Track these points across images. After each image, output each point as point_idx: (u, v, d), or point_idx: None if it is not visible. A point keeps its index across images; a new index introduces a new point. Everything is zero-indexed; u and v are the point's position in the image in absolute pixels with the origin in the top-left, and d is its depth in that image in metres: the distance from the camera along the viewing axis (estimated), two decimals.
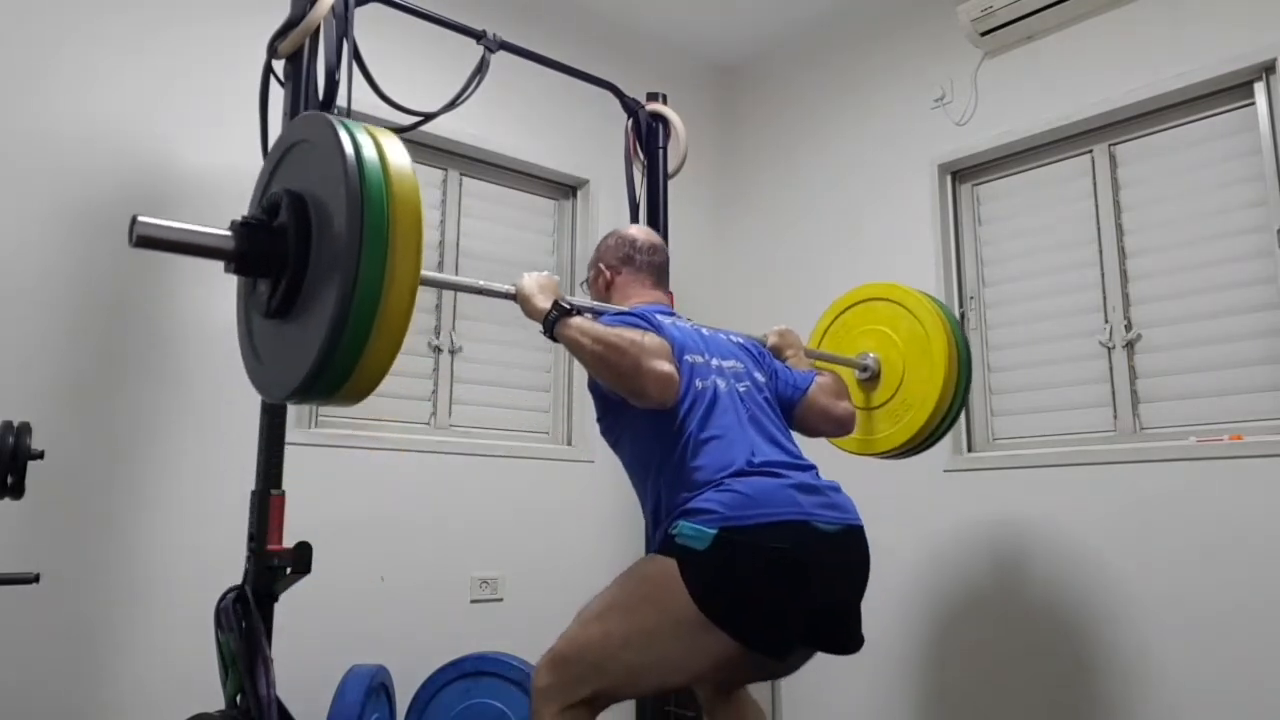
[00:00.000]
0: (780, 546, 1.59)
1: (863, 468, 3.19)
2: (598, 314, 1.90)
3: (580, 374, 3.30)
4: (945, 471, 2.99)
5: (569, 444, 3.28)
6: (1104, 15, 2.79)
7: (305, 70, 2.05)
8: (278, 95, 2.09)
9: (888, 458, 2.52)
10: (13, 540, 2.15)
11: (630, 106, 2.82)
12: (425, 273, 1.47)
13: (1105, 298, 2.76)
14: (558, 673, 1.70)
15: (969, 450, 3.00)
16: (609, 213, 3.39)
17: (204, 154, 2.56)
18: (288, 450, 1.98)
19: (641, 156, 2.86)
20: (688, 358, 1.81)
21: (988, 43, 3.01)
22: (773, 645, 1.61)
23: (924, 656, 2.96)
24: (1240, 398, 2.47)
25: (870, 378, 2.48)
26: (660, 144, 2.84)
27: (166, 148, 2.53)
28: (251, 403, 2.02)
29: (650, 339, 1.70)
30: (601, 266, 2.12)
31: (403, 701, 2.58)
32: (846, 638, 1.71)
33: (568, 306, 1.76)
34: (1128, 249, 2.75)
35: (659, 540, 1.73)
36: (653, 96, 2.87)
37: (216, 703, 1.83)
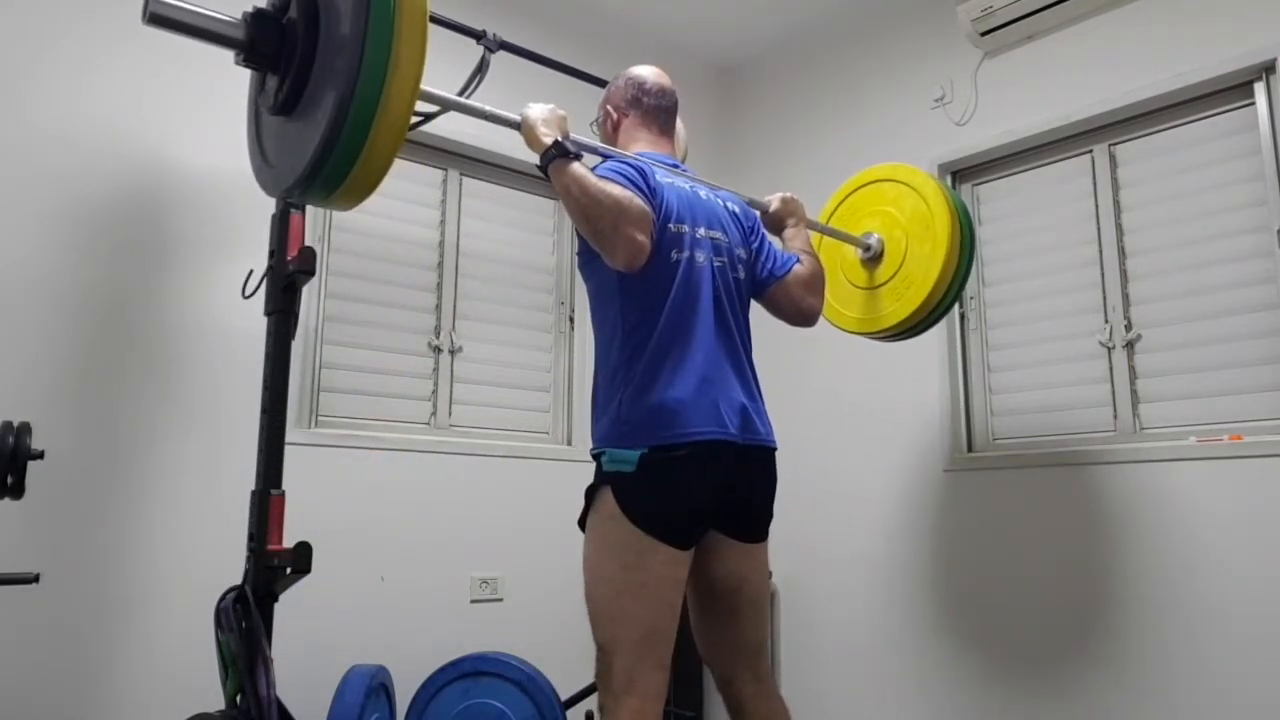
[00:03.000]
0: (694, 460, 1.71)
1: (863, 467, 3.20)
2: (602, 156, 1.89)
3: (580, 375, 3.30)
4: (945, 471, 3.00)
5: (569, 444, 3.28)
6: (1104, 15, 2.79)
7: None
8: None
9: (888, 337, 2.56)
10: (13, 540, 2.15)
11: None
12: (426, 88, 1.49)
13: (1105, 298, 2.76)
14: (606, 666, 1.72)
15: (969, 450, 3.01)
16: None
17: (204, 154, 2.56)
18: (288, 450, 1.98)
19: None
20: (672, 225, 1.83)
21: (988, 43, 3.01)
22: (681, 540, 1.73)
23: (924, 654, 2.96)
24: (1240, 398, 2.47)
25: (873, 257, 2.51)
26: None
27: (165, 148, 2.53)
28: (251, 403, 2.03)
29: (635, 204, 1.71)
30: (609, 108, 2.10)
31: (403, 701, 2.58)
32: (751, 525, 1.88)
33: (568, 148, 1.74)
34: (1128, 249, 2.75)
35: (594, 448, 1.81)
36: None
37: (216, 703, 1.83)
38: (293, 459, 2.01)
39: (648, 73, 2.09)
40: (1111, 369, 2.72)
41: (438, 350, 3.05)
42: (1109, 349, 2.73)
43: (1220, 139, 2.59)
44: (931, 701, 2.91)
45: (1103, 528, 2.60)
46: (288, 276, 2.00)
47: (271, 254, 2.07)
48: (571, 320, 3.37)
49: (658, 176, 1.86)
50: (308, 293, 2.55)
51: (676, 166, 2.02)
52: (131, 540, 2.34)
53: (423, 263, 3.07)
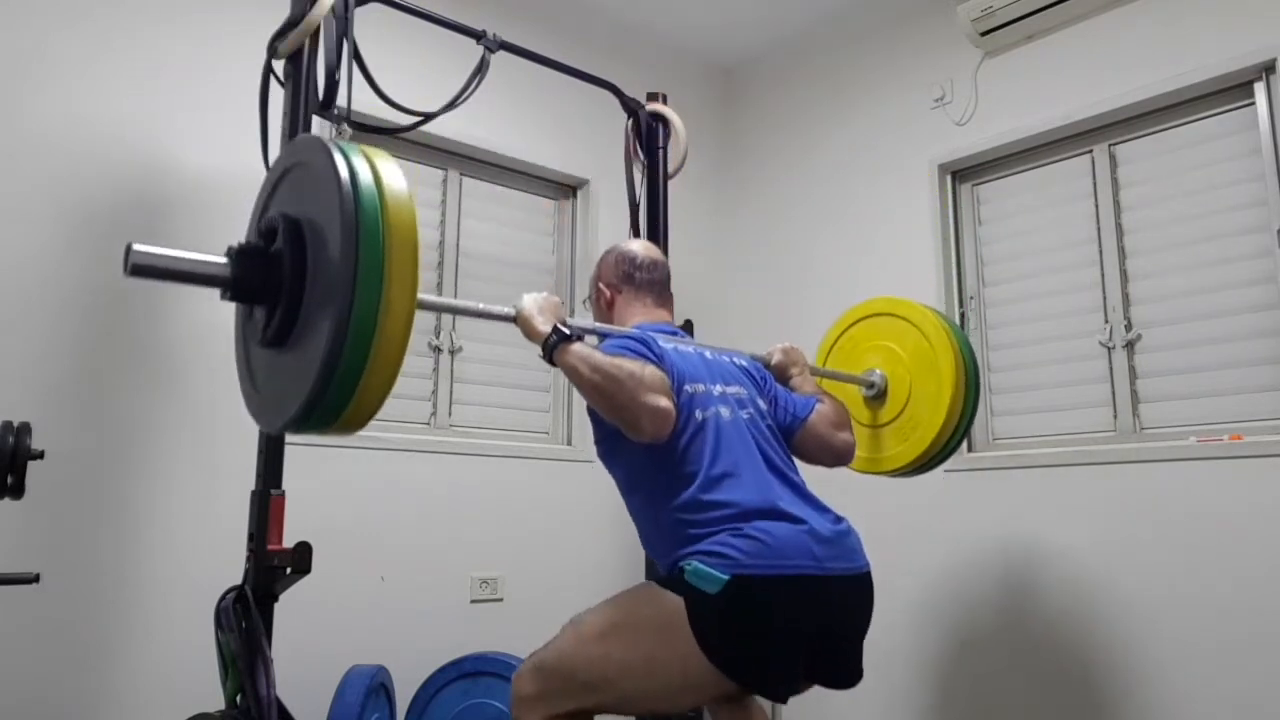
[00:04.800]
0: (788, 600, 1.59)
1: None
2: (600, 336, 1.87)
3: None
4: (945, 471, 2.98)
5: (569, 444, 3.28)
6: (1104, 15, 2.79)
7: (305, 70, 2.05)
8: (278, 95, 2.09)
9: (895, 476, 2.47)
10: (13, 540, 2.15)
11: (630, 106, 2.82)
12: (422, 296, 1.45)
13: (1105, 298, 2.76)
14: (545, 683, 1.70)
15: (969, 450, 3.00)
16: (609, 213, 3.39)
17: (204, 155, 2.56)
18: (288, 450, 1.98)
19: (641, 156, 2.86)
20: (688, 387, 1.77)
21: (988, 43, 3.01)
22: (775, 691, 1.65)
23: (924, 654, 2.96)
24: (1240, 398, 2.47)
25: (876, 395, 2.42)
26: (660, 144, 2.84)
27: (166, 149, 2.53)
28: None
29: (649, 371, 1.67)
30: (602, 286, 2.08)
31: (403, 701, 2.58)
32: (847, 676, 1.77)
33: (567, 331, 1.71)
34: (1128, 249, 2.75)
35: (666, 572, 1.70)
36: (653, 96, 2.88)
37: (216, 703, 1.83)
38: (293, 459, 2.01)
39: (637, 247, 2.10)
40: (1111, 369, 2.72)
41: (438, 350, 3.05)
42: (1109, 349, 2.73)
43: (1220, 139, 2.59)
44: (931, 701, 2.91)
45: (1102, 528, 2.60)
46: None
47: None
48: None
49: (661, 343, 1.83)
50: None
51: (676, 334, 1.99)
52: (131, 540, 2.34)
53: (423, 263, 3.03)
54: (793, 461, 1.89)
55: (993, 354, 3.03)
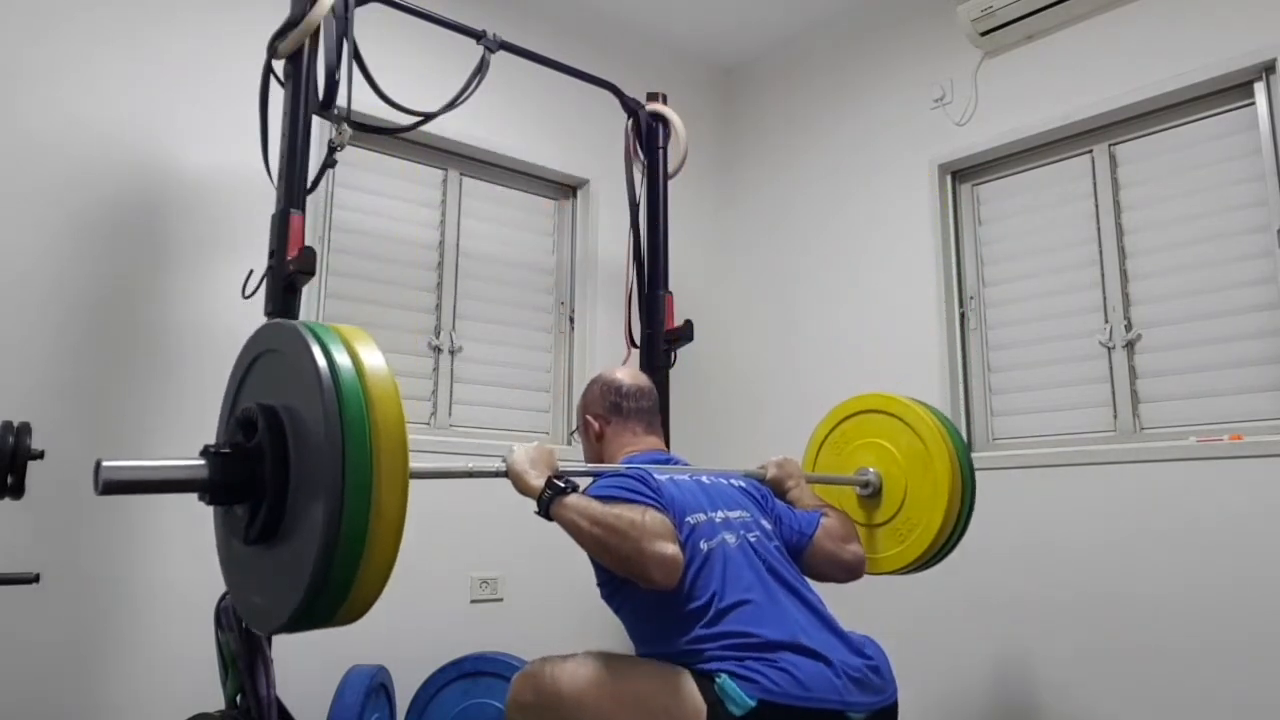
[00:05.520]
0: None
1: None
2: (593, 476, 1.83)
3: (580, 375, 3.30)
4: None
5: (569, 444, 3.28)
6: (1104, 15, 2.79)
7: (305, 70, 2.06)
8: (278, 95, 2.09)
9: (893, 575, 2.40)
10: (13, 540, 2.15)
11: (630, 106, 2.82)
12: (412, 465, 1.41)
13: (1105, 298, 2.76)
14: (541, 701, 1.67)
15: (969, 450, 3.00)
16: (609, 213, 3.39)
17: (204, 155, 2.56)
18: None
19: (641, 156, 2.86)
20: (689, 519, 1.73)
21: (988, 43, 3.01)
22: None
23: (921, 653, 2.95)
24: (1240, 398, 2.47)
25: (872, 494, 2.35)
26: (660, 144, 2.84)
27: (166, 149, 2.53)
28: None
29: (650, 517, 1.61)
30: (589, 418, 2.05)
31: (403, 701, 2.58)
32: None
33: (562, 485, 1.66)
34: (1128, 249, 2.75)
35: (698, 674, 1.62)
36: (653, 96, 2.88)
37: (216, 703, 1.83)
38: None
39: (623, 375, 2.07)
40: (1111, 369, 2.72)
41: (438, 350, 3.05)
42: (1109, 349, 2.73)
43: (1220, 139, 2.59)
44: (930, 700, 2.91)
45: (1102, 528, 2.60)
46: (288, 276, 2.00)
47: (271, 254, 2.07)
48: (571, 320, 3.37)
49: (657, 477, 1.77)
50: (308, 293, 2.55)
51: (670, 461, 1.97)
52: (131, 540, 2.34)
53: (423, 263, 3.06)
54: (806, 581, 1.83)
55: (993, 354, 3.03)
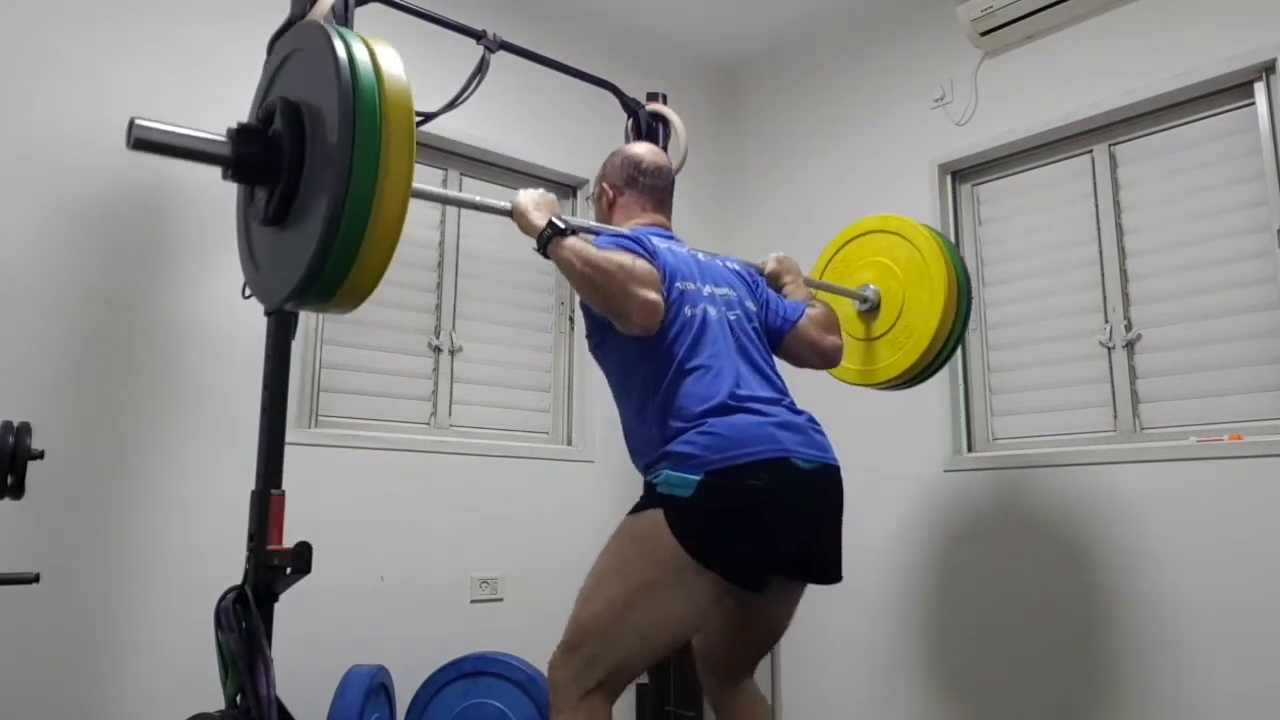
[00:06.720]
0: (759, 484, 1.64)
1: (863, 467, 3.19)
2: (594, 234, 1.90)
3: (580, 375, 3.30)
4: (945, 471, 3.00)
5: (569, 444, 3.28)
6: (1104, 15, 2.79)
7: None
8: None
9: (889, 388, 2.53)
10: (13, 540, 2.15)
11: (630, 106, 2.82)
12: (419, 185, 1.50)
13: (1105, 298, 2.76)
14: (570, 661, 1.70)
15: (969, 450, 3.01)
16: None
17: None
18: (288, 450, 1.98)
19: None
20: (678, 284, 1.83)
21: (988, 43, 3.01)
22: (752, 581, 1.69)
23: (923, 654, 2.96)
24: (1240, 398, 2.47)
25: (870, 309, 2.50)
26: (660, 144, 2.84)
27: None
28: (251, 403, 2.02)
29: (640, 265, 1.72)
30: (605, 185, 2.12)
31: (403, 701, 2.58)
32: (825, 570, 1.79)
33: (562, 226, 1.76)
34: (1128, 249, 2.75)
35: (644, 492, 1.75)
36: (653, 96, 2.87)
37: (216, 703, 1.83)
38: (293, 459, 2.00)
39: (644, 151, 2.12)
40: (1111, 369, 2.72)
41: (438, 350, 3.05)
42: (1109, 349, 2.73)
43: (1220, 139, 2.59)
44: (931, 700, 2.91)
45: (1103, 528, 2.60)
46: None
47: None
48: (571, 320, 3.37)
49: (655, 242, 1.87)
50: None
51: (672, 238, 2.02)
52: (131, 540, 2.34)
53: (423, 263, 3.07)
54: (773, 361, 1.95)
55: (993, 354, 3.03)
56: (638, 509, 1.74)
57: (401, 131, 1.39)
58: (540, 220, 1.79)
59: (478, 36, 2.42)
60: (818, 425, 1.83)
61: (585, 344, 1.91)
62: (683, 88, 3.42)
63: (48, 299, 2.30)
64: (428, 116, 2.33)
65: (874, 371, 2.47)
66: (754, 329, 1.93)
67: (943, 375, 3.03)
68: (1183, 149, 2.67)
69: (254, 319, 2.12)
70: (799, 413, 1.83)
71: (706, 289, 1.88)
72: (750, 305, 1.97)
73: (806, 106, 3.67)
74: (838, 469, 1.81)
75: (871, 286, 2.50)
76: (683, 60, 3.83)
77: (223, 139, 1.49)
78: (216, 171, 2.54)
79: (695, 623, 1.72)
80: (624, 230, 1.91)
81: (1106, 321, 2.75)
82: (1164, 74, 2.63)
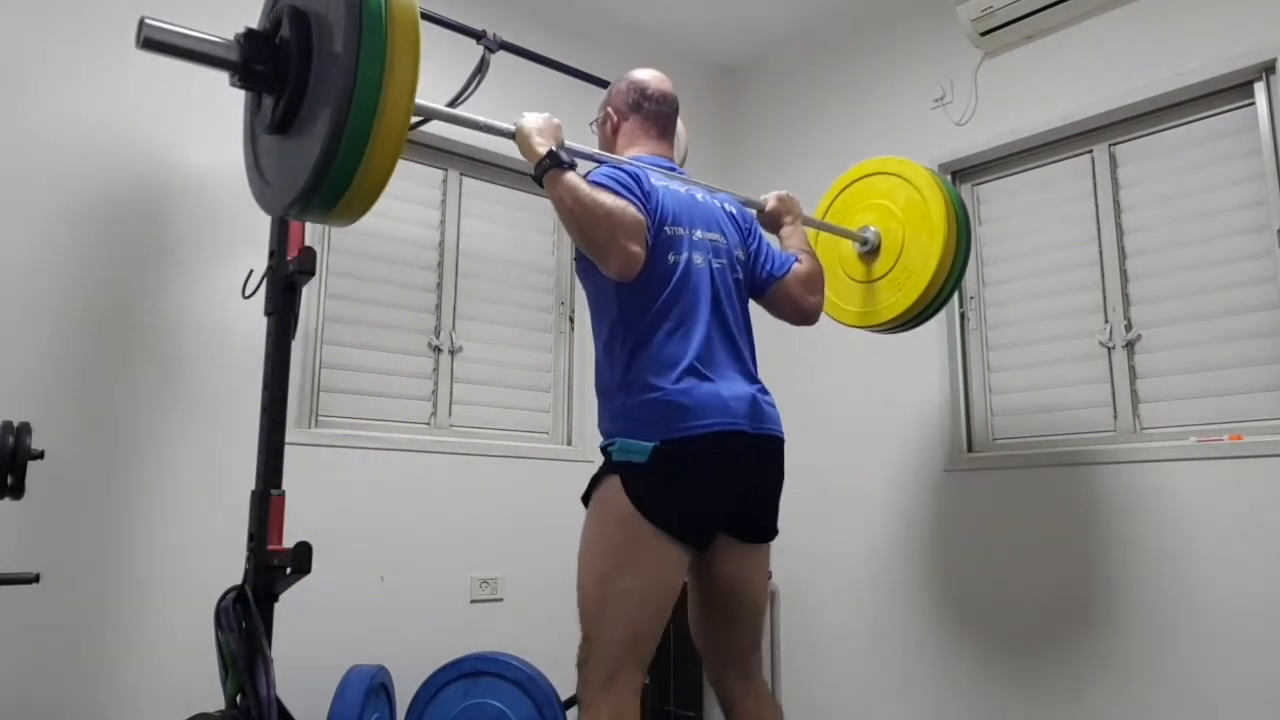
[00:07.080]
0: (707, 452, 1.72)
1: (863, 467, 3.20)
2: (597, 161, 1.90)
3: (580, 375, 3.30)
4: (945, 471, 3.00)
5: (569, 444, 3.28)
6: (1104, 15, 2.79)
7: None
8: None
9: (889, 329, 2.55)
10: (13, 540, 2.15)
11: None
12: (421, 102, 1.49)
13: (1105, 298, 2.76)
14: (589, 648, 1.72)
15: (969, 450, 3.00)
16: None
17: (204, 154, 2.56)
18: (288, 450, 1.98)
19: None
20: (668, 229, 1.84)
21: (988, 43, 3.01)
22: (697, 540, 1.76)
23: (922, 653, 2.96)
24: (1240, 398, 2.47)
25: (870, 250, 2.51)
26: None
27: (166, 149, 2.53)
28: (251, 403, 2.03)
29: (628, 214, 1.73)
30: (610, 110, 2.10)
31: (403, 701, 2.58)
32: (762, 530, 1.91)
33: (562, 157, 1.76)
34: (1128, 249, 2.75)
35: (603, 460, 1.81)
36: None
37: (216, 703, 1.83)
38: (293, 459, 2.01)
39: (650, 77, 2.10)
40: (1111, 369, 2.72)
41: (438, 350, 3.05)
42: (1109, 349, 2.73)
43: (1220, 139, 2.59)
44: (931, 701, 2.91)
45: (1103, 528, 2.60)
46: (288, 276, 2.00)
47: (271, 254, 2.08)
48: (571, 320, 3.37)
49: (652, 180, 1.87)
50: (308, 293, 2.55)
51: (673, 170, 2.02)
52: (131, 540, 2.34)
53: (423, 263, 3.07)
54: (746, 319, 1.97)
55: (993, 354, 3.03)
56: (596, 478, 1.80)
57: (406, 40, 1.39)
58: (542, 148, 1.77)
59: (478, 36, 2.42)
60: (769, 397, 1.90)
61: (586, 345, 1.92)
62: (683, 88, 3.40)
63: (48, 300, 2.30)
64: (427, 117, 2.33)
65: (874, 313, 2.49)
66: (735, 280, 1.94)
67: (943, 374, 3.04)
68: (1183, 149, 2.67)
69: (254, 319, 2.13)
70: (754, 382, 1.89)
71: (697, 233, 1.89)
72: (738, 253, 1.98)
73: (807, 106, 3.67)
74: (781, 441, 1.89)
75: (872, 228, 2.51)
76: (683, 60, 3.83)
77: (230, 42, 1.51)
78: (216, 172, 2.56)
79: (673, 587, 1.75)
80: (625, 162, 1.90)
81: (1106, 321, 2.75)
82: (1164, 74, 2.63)
